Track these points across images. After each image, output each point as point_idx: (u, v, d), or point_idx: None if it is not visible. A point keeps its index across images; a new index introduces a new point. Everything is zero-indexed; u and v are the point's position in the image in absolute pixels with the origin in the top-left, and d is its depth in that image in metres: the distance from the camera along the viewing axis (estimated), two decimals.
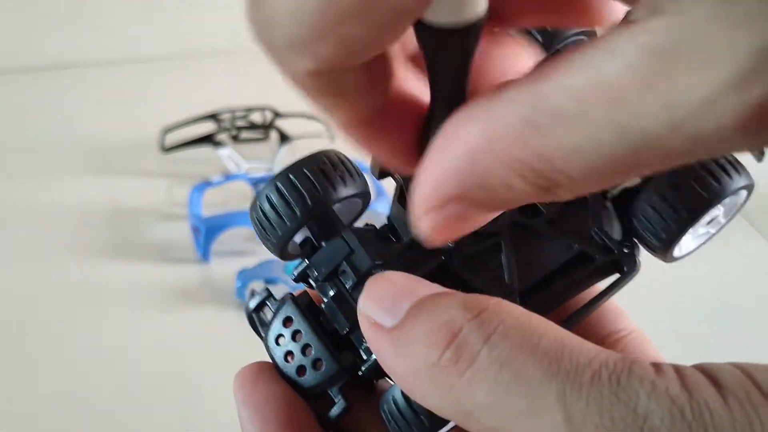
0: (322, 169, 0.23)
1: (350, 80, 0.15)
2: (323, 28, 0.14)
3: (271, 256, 0.68)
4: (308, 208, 0.23)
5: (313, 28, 0.14)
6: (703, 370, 0.15)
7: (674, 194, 0.23)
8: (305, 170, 0.23)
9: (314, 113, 0.80)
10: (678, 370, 0.15)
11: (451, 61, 0.15)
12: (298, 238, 0.24)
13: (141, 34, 0.95)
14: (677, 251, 0.25)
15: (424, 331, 0.17)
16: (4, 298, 0.63)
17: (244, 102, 0.82)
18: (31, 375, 0.57)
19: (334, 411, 0.23)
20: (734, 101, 0.12)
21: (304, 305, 0.23)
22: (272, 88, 0.88)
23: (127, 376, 0.57)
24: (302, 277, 0.24)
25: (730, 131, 0.12)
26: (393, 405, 0.22)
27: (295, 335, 0.23)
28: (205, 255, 0.66)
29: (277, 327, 0.23)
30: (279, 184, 0.23)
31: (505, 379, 0.15)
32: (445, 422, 0.21)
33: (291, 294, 0.24)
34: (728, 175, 0.23)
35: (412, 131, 0.17)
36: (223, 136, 0.79)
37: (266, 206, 0.23)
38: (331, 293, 0.23)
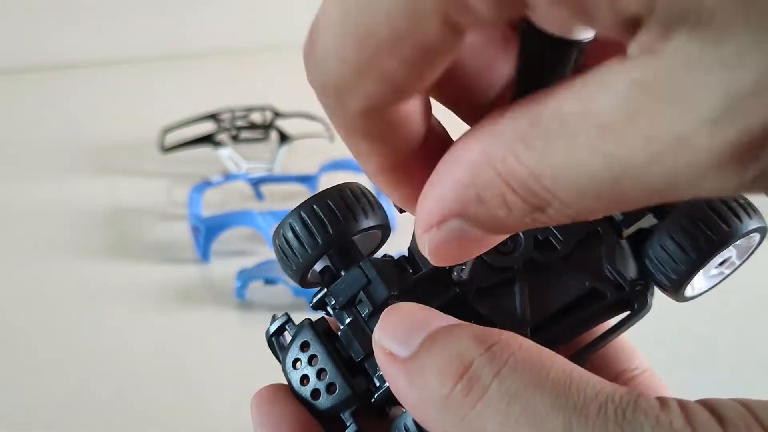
0: (345, 200, 0.25)
1: (393, 120, 0.16)
2: (362, 65, 0.14)
3: (270, 256, 0.68)
4: (330, 238, 0.24)
5: (354, 66, 0.15)
6: (707, 405, 0.15)
7: (684, 236, 0.24)
8: (328, 201, 0.25)
9: (313, 113, 0.80)
10: (682, 405, 0.15)
11: (549, 72, 0.16)
12: (318, 266, 0.25)
13: (141, 35, 0.95)
14: (689, 291, 0.26)
15: (436, 363, 0.17)
16: (3, 298, 0.63)
17: (243, 102, 0.82)
18: (31, 374, 0.57)
19: None
20: (708, 140, 0.13)
21: (322, 331, 0.24)
22: (272, 88, 0.89)
23: (126, 376, 0.57)
24: (320, 305, 0.25)
25: (705, 169, 0.13)
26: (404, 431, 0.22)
27: (311, 360, 0.24)
28: (204, 255, 0.66)
29: (294, 351, 0.24)
30: (303, 214, 0.24)
31: (514, 412, 0.16)
32: None
33: (309, 320, 0.25)
34: (739, 218, 0.24)
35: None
36: (222, 136, 0.79)
37: (289, 234, 0.24)
38: (348, 321, 0.24)
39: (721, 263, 0.26)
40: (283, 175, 0.75)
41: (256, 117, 0.81)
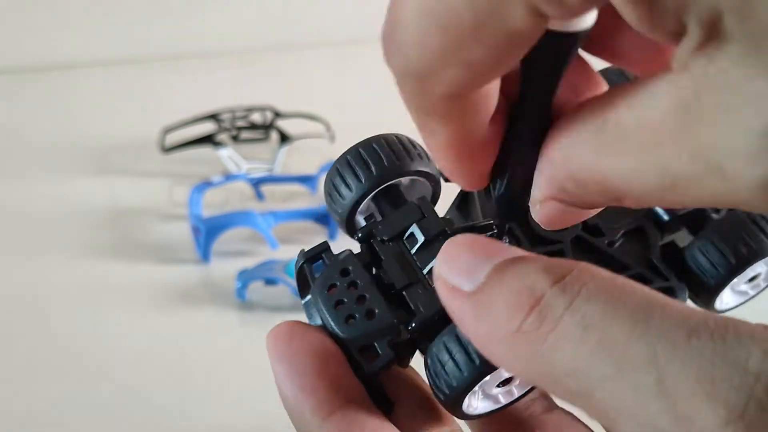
0: (390, 145, 0.24)
1: (471, 102, 0.17)
2: (446, 52, 0.15)
3: (271, 256, 0.68)
4: (374, 177, 0.24)
5: (437, 53, 0.15)
6: None
7: (725, 242, 0.25)
8: (374, 145, 0.24)
9: (314, 113, 0.80)
10: None
11: (551, 67, 0.16)
12: (362, 216, 0.25)
13: (141, 35, 0.95)
14: (719, 303, 0.26)
15: (504, 296, 0.16)
16: (2, 298, 0.63)
17: (244, 102, 0.82)
18: (30, 374, 0.57)
19: (380, 362, 0.23)
20: (744, 169, 0.13)
21: (364, 262, 0.24)
22: (272, 89, 0.89)
23: (126, 376, 0.57)
24: (366, 237, 0.24)
25: (749, 187, 0.13)
26: (443, 348, 0.21)
27: (350, 285, 0.23)
28: (205, 255, 0.65)
29: (331, 276, 0.23)
30: (349, 157, 0.24)
31: (590, 343, 0.15)
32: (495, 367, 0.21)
33: (350, 251, 0.24)
34: None
35: (492, 154, 0.19)
36: (223, 137, 0.79)
37: (336, 179, 0.24)
38: (394, 252, 0.23)
39: (751, 279, 0.26)
40: (283, 175, 0.75)
41: (257, 117, 0.81)
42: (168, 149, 0.77)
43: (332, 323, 0.23)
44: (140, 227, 0.70)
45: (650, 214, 0.27)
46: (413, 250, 0.23)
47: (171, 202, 0.73)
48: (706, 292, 0.26)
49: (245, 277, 0.62)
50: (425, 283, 0.23)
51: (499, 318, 0.16)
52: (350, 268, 0.23)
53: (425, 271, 0.23)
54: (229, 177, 0.73)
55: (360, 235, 0.24)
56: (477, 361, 0.20)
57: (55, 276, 0.66)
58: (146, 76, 0.92)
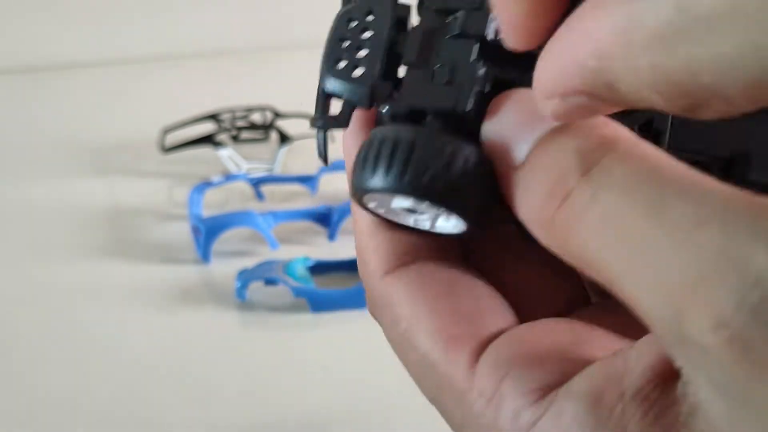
0: None
1: None
2: None
3: (271, 256, 0.68)
4: None
5: None
6: None
7: None
8: None
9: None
10: None
11: None
12: None
13: (141, 35, 0.95)
14: None
15: (541, 183, 0.16)
16: (2, 298, 0.63)
17: (244, 102, 0.82)
18: (30, 375, 0.57)
19: (333, 119, 0.21)
20: None
21: (400, 16, 0.21)
22: (272, 89, 0.89)
23: (126, 376, 0.57)
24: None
25: None
26: (390, 141, 0.19)
27: (365, 29, 0.20)
28: (205, 255, 0.66)
29: (357, 9, 0.21)
30: None
31: (609, 238, 0.14)
32: None
33: None
34: None
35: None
36: (223, 137, 0.79)
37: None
38: (429, 25, 0.20)
39: None
40: (283, 175, 0.76)
41: (257, 117, 0.81)
42: (168, 149, 0.77)
43: (325, 55, 0.21)
44: (140, 227, 0.70)
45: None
46: (447, 36, 0.20)
47: (171, 202, 0.73)
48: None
49: (245, 277, 0.62)
50: (427, 75, 0.19)
51: (535, 204, 0.16)
52: (377, 10, 0.20)
53: (437, 66, 0.19)
54: (229, 177, 0.73)
55: None
56: (406, 180, 0.18)
57: (54, 276, 0.66)
58: (146, 76, 0.92)
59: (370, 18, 0.20)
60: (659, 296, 0.13)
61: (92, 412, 0.54)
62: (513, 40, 0.16)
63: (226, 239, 0.67)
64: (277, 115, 0.81)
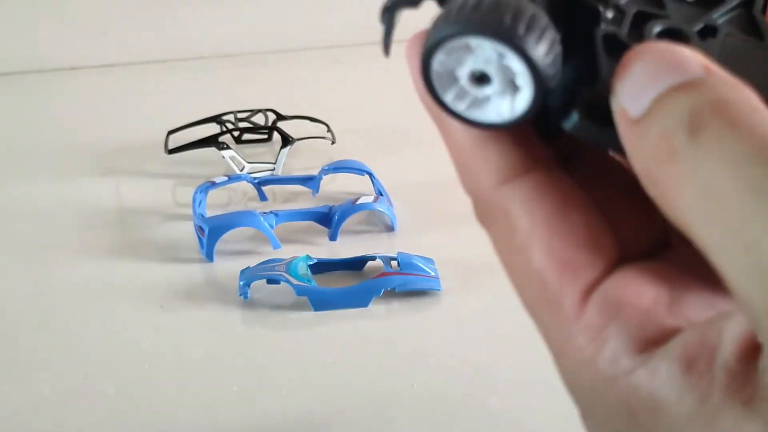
0: None
1: None
2: None
3: (273, 255, 0.69)
4: None
5: None
6: None
7: None
8: None
9: (315, 115, 0.81)
10: None
11: None
12: None
13: (145, 38, 0.95)
14: None
15: (654, 140, 0.16)
16: (9, 298, 0.64)
17: (246, 104, 0.82)
18: (35, 373, 0.57)
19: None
20: None
21: None
22: (274, 91, 0.89)
23: (130, 373, 0.57)
24: None
25: None
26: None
27: None
28: (209, 255, 0.66)
29: None
30: None
31: (709, 209, 0.15)
32: None
33: None
34: None
35: None
36: (226, 138, 0.79)
37: None
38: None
39: None
40: (285, 176, 0.76)
41: (259, 119, 0.82)
42: (172, 150, 0.78)
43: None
44: (145, 227, 0.71)
45: None
46: None
47: (175, 203, 0.74)
48: None
49: (248, 275, 0.62)
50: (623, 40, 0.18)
51: (644, 156, 0.16)
52: None
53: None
54: (232, 178, 0.73)
55: None
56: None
57: (60, 275, 0.66)
58: (151, 79, 0.93)
59: None
60: (750, 277, 0.14)
61: (96, 409, 0.54)
62: None
63: (229, 239, 0.67)
64: (279, 117, 0.81)
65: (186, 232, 0.70)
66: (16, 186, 0.76)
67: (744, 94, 0.16)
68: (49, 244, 0.69)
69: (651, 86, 0.17)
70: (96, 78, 0.93)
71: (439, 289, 0.61)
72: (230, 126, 0.80)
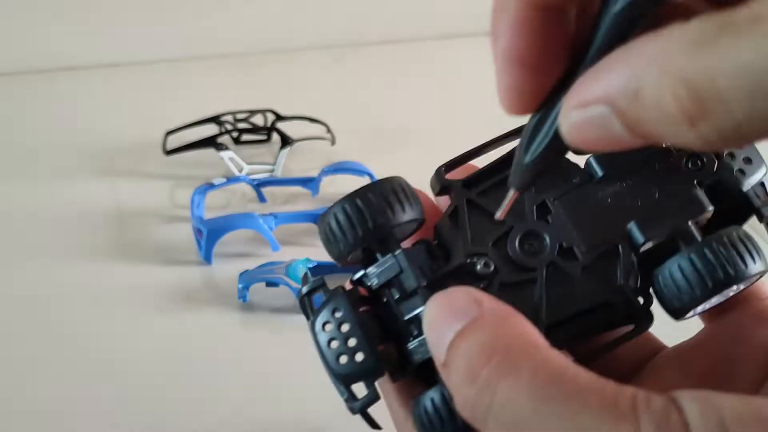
0: (386, 196, 0.27)
1: None
2: None
3: (272, 258, 0.68)
4: (369, 231, 0.26)
5: None
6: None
7: (706, 264, 0.25)
8: (370, 196, 0.26)
9: (315, 116, 0.81)
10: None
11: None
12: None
13: (144, 37, 0.95)
14: (690, 312, 0.27)
15: (456, 381, 0.20)
16: (6, 300, 0.63)
17: (245, 105, 0.82)
18: (33, 376, 0.57)
19: (361, 402, 0.26)
20: None
21: (353, 300, 0.26)
22: (273, 91, 0.89)
23: (129, 377, 0.57)
24: (359, 282, 0.28)
25: None
26: (431, 404, 0.25)
27: (340, 324, 0.26)
28: (207, 257, 0.66)
29: (325, 314, 0.26)
30: (347, 207, 0.27)
31: None
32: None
33: (342, 288, 0.27)
34: (754, 260, 0.26)
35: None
36: (224, 139, 0.79)
37: (333, 224, 0.27)
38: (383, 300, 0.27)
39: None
40: (284, 177, 0.76)
41: (258, 120, 0.82)
42: (170, 151, 0.78)
43: (326, 358, 0.26)
44: (143, 229, 0.71)
45: (626, 234, 0.27)
46: (395, 298, 0.26)
47: (173, 204, 0.74)
48: (677, 308, 0.26)
49: (247, 278, 0.62)
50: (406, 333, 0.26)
51: (457, 398, 0.20)
52: (340, 307, 0.26)
53: (406, 318, 0.26)
54: (230, 179, 0.73)
55: (354, 279, 0.28)
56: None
57: (57, 277, 0.66)
58: (149, 78, 0.92)
59: (339, 314, 0.26)
60: None
61: (95, 412, 0.54)
62: (507, 106, 0.19)
63: (228, 241, 0.67)
64: (278, 117, 0.81)
65: (184, 234, 0.69)
66: (12, 186, 0.76)
67: (511, 327, 0.20)
68: (45, 246, 0.69)
69: (446, 333, 0.20)
70: (94, 78, 0.92)
71: None
72: (229, 127, 0.80)
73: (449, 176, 0.29)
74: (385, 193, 0.27)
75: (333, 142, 0.80)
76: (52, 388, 0.56)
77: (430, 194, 0.30)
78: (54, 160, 0.79)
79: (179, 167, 0.77)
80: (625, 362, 0.28)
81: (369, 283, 0.27)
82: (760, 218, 0.28)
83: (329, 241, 0.27)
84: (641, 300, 0.27)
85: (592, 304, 0.26)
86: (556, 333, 0.26)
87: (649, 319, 0.27)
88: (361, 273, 0.27)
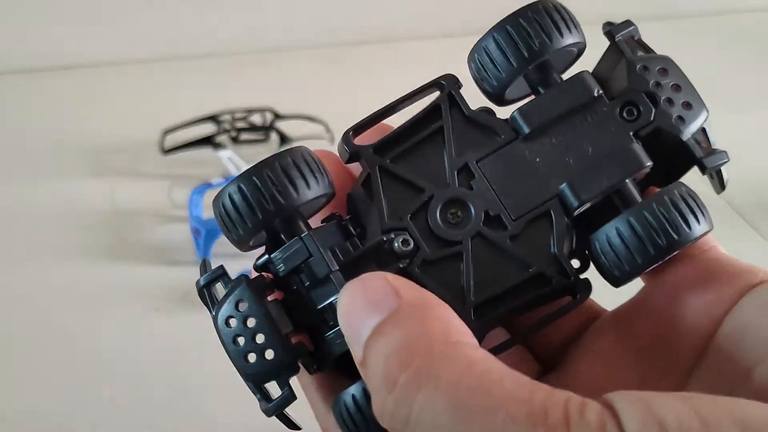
0: (287, 172, 0.23)
1: None
2: None
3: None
4: (270, 213, 0.23)
5: None
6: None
7: (646, 229, 0.23)
8: (269, 173, 0.23)
9: (314, 115, 0.80)
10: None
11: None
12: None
13: (141, 35, 0.95)
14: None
15: (375, 380, 0.19)
16: (2, 300, 0.63)
17: (243, 104, 0.82)
18: (31, 377, 0.57)
19: (276, 404, 0.24)
20: None
21: (259, 289, 0.23)
22: (272, 90, 0.89)
23: (126, 378, 0.57)
24: (264, 268, 0.24)
25: None
26: (352, 401, 0.23)
27: (246, 319, 0.23)
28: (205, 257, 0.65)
29: (228, 308, 0.24)
30: (243, 186, 0.23)
31: None
32: None
33: (246, 276, 0.24)
34: (698, 221, 0.23)
35: None
36: (223, 138, 0.79)
37: (229, 206, 0.24)
38: (292, 288, 0.24)
39: None
40: None
41: (256, 119, 0.81)
42: (168, 150, 0.77)
43: (233, 358, 0.23)
44: (140, 229, 0.70)
45: (558, 197, 0.24)
46: (306, 285, 0.23)
47: (171, 204, 0.73)
48: (618, 276, 0.24)
49: None
50: (324, 320, 0.24)
51: (375, 405, 0.19)
52: (244, 299, 0.23)
53: (319, 307, 0.23)
54: (229, 179, 0.73)
55: (257, 264, 0.25)
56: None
57: (54, 277, 0.66)
58: (146, 77, 0.92)
59: (243, 307, 0.23)
60: None
61: (92, 412, 0.54)
62: None
63: (226, 241, 0.66)
64: (277, 116, 0.81)
65: (182, 234, 0.69)
66: (8, 186, 0.76)
67: (432, 321, 0.19)
68: (42, 246, 0.69)
69: (362, 329, 0.19)
70: (90, 76, 0.92)
71: None
72: (227, 126, 0.80)
73: (358, 141, 0.26)
74: (285, 168, 0.23)
75: (332, 141, 0.79)
76: (48, 387, 0.56)
77: None
78: (50, 160, 0.79)
79: (177, 166, 0.77)
80: (564, 330, 0.26)
81: (275, 270, 0.24)
82: (702, 170, 0.25)
83: (226, 226, 0.24)
84: (578, 266, 0.25)
85: (524, 278, 0.24)
86: (487, 311, 0.24)
87: (587, 289, 0.24)
88: (264, 258, 0.24)
